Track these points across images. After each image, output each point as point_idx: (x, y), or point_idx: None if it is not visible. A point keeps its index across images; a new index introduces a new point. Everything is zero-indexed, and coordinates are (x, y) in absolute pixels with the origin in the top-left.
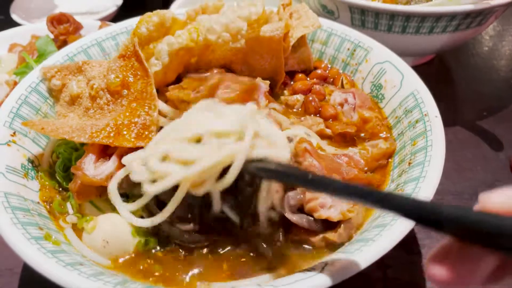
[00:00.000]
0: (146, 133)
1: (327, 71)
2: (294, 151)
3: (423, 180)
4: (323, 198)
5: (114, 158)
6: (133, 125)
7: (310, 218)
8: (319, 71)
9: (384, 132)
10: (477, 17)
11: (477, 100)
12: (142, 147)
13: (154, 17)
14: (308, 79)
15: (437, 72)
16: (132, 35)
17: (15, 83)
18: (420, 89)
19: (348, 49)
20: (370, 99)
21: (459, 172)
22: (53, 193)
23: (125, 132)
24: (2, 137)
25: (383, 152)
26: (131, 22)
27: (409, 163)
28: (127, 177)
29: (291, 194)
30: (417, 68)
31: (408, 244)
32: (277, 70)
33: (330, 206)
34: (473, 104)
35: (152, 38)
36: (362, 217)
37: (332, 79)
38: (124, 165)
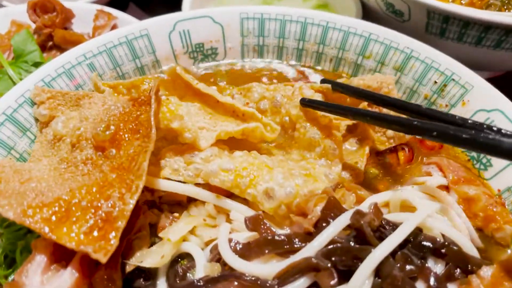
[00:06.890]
0: (103, 233)
1: None
2: None
3: None
4: None
5: (73, 265)
6: (93, 211)
7: None
8: None
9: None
10: None
11: None
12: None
13: None
14: None
15: None
16: (156, 80)
17: None
18: None
19: (435, 81)
20: (461, 166)
21: None
22: None
23: (74, 219)
24: None
25: None
26: (149, 24)
27: None
28: None
29: None
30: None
31: None
32: None
33: None
34: None
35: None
36: None
37: None
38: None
